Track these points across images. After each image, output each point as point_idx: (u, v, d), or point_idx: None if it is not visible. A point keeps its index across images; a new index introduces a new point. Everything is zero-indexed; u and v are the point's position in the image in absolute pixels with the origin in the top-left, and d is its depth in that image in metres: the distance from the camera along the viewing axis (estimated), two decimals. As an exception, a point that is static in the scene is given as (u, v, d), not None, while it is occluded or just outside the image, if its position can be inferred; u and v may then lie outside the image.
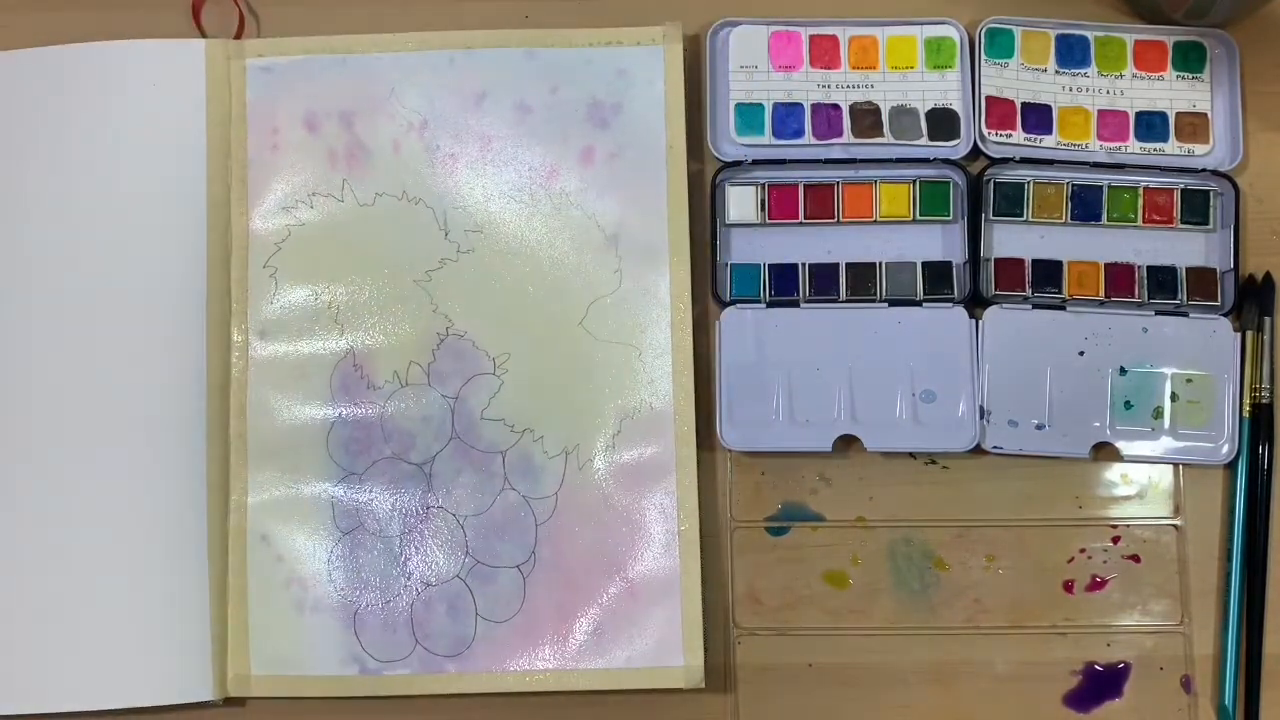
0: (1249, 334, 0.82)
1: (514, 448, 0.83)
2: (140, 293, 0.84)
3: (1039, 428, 0.81)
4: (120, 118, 0.85)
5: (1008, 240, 0.84)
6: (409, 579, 0.82)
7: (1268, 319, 0.82)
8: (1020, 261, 0.83)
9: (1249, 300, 0.82)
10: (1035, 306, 0.82)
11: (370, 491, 0.83)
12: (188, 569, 0.82)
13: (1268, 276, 0.83)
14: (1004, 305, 0.82)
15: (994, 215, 0.84)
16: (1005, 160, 0.83)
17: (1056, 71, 0.85)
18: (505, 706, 0.82)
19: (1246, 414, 0.81)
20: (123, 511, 0.82)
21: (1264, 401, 0.81)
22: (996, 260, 0.83)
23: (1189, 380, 0.81)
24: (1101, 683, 0.81)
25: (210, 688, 0.81)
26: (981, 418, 0.81)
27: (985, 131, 0.83)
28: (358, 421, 0.83)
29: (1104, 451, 0.82)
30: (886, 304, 0.83)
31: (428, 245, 0.85)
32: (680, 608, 0.80)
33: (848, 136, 0.84)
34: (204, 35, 0.87)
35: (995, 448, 0.81)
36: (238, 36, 0.88)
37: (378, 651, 0.81)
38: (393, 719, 0.82)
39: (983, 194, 0.83)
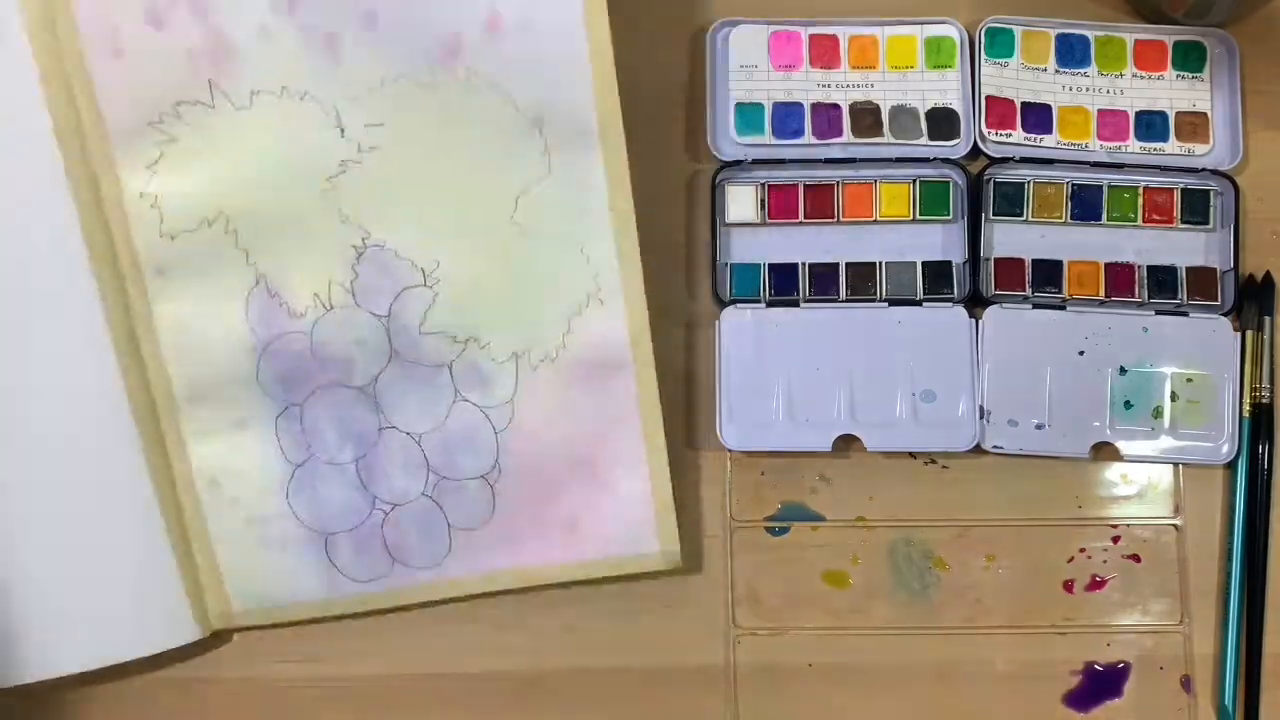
0: (1249, 334, 0.82)
1: (460, 359, 0.78)
2: (9, 255, 0.75)
3: (1039, 427, 0.81)
4: None
5: (1008, 240, 0.84)
6: (373, 502, 0.79)
7: (1268, 319, 0.82)
8: (1020, 261, 0.83)
9: (1249, 300, 0.82)
10: (1035, 306, 0.82)
11: (316, 420, 0.78)
12: (142, 524, 0.78)
13: (1268, 276, 0.83)
14: (1004, 305, 0.82)
15: (994, 215, 0.84)
16: (1005, 160, 0.83)
17: (1056, 71, 0.85)
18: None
19: (1247, 414, 0.81)
20: (61, 482, 0.78)
21: (1264, 401, 0.81)
22: (996, 260, 0.83)
23: (1189, 380, 0.81)
24: (1101, 683, 0.81)
25: (194, 628, 0.79)
26: (981, 418, 0.81)
27: (985, 131, 0.83)
28: (286, 353, 0.77)
29: (1104, 451, 0.82)
30: (886, 304, 0.82)
31: (324, 147, 0.74)
32: (650, 494, 0.79)
33: (848, 136, 0.84)
34: None
35: (995, 447, 0.81)
36: None
37: (355, 573, 0.80)
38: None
39: (983, 194, 0.83)
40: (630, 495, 0.79)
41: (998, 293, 0.83)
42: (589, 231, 0.76)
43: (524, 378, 0.78)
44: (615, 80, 0.74)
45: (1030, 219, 0.84)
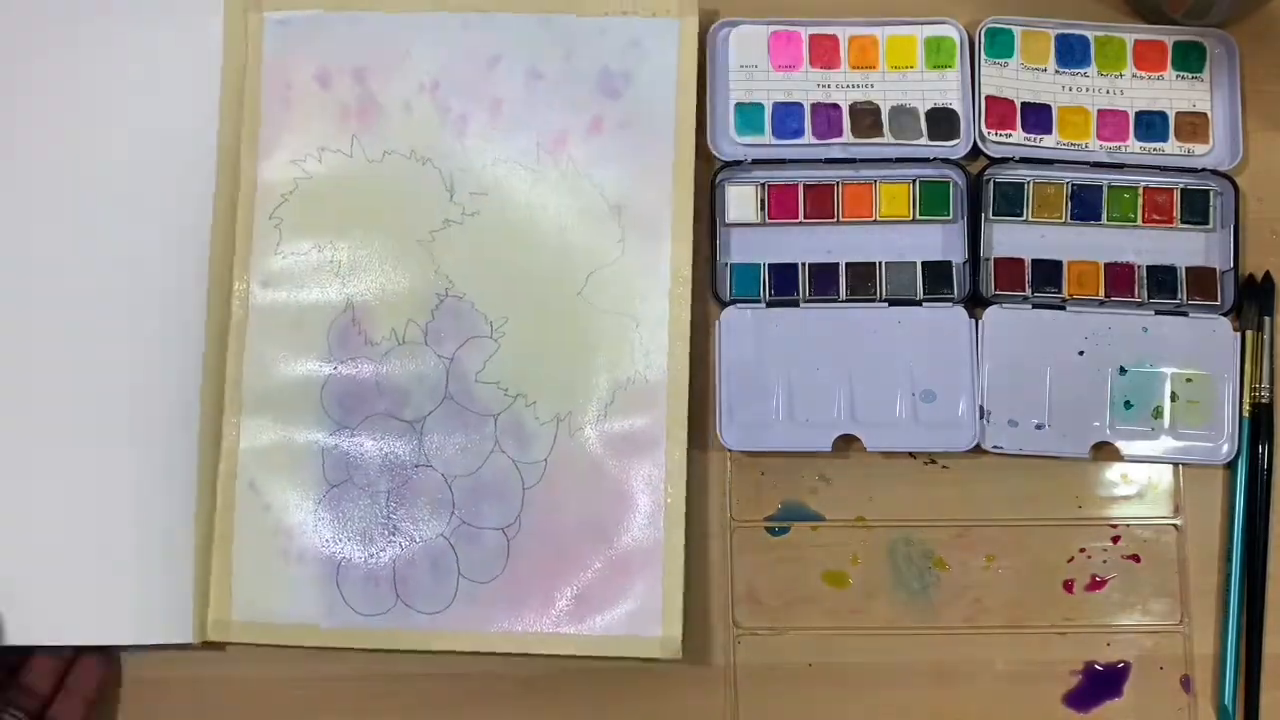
0: (1249, 334, 0.82)
1: (506, 412, 0.83)
2: (145, 235, 0.84)
3: (1039, 427, 0.81)
4: (136, 64, 0.86)
5: (1007, 240, 0.84)
6: (393, 534, 0.82)
7: (1268, 319, 0.82)
8: (1020, 261, 0.83)
9: (1249, 300, 0.82)
10: (1035, 306, 0.83)
11: (361, 446, 0.83)
12: (175, 511, 0.82)
13: (1268, 276, 0.83)
14: (1004, 305, 0.82)
15: (994, 215, 0.84)
16: (1005, 160, 0.83)
17: (1056, 71, 0.85)
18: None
19: (1246, 414, 0.81)
20: (113, 451, 0.83)
21: (1264, 401, 0.81)
22: (996, 260, 0.83)
23: (1189, 380, 0.82)
24: (1101, 682, 0.81)
25: (190, 630, 0.81)
26: (981, 417, 0.81)
27: (985, 131, 0.83)
28: (353, 376, 0.84)
29: (1104, 451, 0.82)
30: (886, 304, 0.83)
31: (433, 206, 0.85)
32: (662, 579, 0.80)
33: (847, 136, 0.84)
34: None
35: (995, 447, 0.81)
36: None
37: (359, 604, 0.81)
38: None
39: (982, 194, 0.83)
40: (642, 575, 0.81)
41: (998, 293, 0.83)
42: (646, 314, 0.83)
43: (561, 440, 0.83)
44: (692, 180, 0.84)
45: (1030, 219, 0.84)
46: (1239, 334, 0.82)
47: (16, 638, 0.81)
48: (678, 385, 0.82)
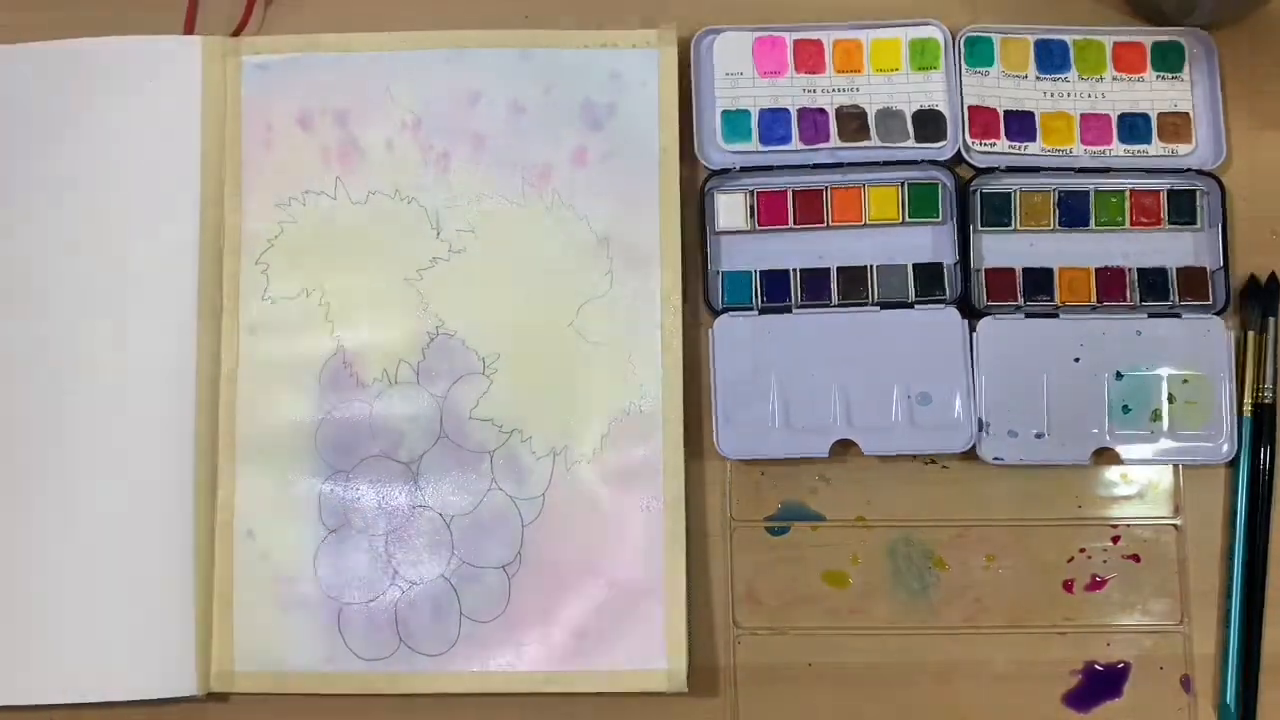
0: (1250, 334, 0.82)
1: (502, 448, 0.83)
2: (131, 287, 0.84)
3: (1039, 437, 0.82)
4: (116, 114, 0.86)
5: (997, 250, 0.85)
6: (394, 577, 0.82)
7: (1270, 319, 0.82)
8: (1011, 271, 0.84)
9: (1252, 301, 0.83)
10: (1028, 315, 0.83)
11: (357, 489, 0.83)
12: (174, 564, 0.82)
13: (1272, 277, 0.83)
14: (997, 316, 0.83)
15: (982, 226, 0.84)
16: (991, 170, 0.84)
17: (1037, 78, 0.86)
18: (489, 706, 0.82)
19: (1248, 414, 0.81)
20: (110, 506, 0.83)
21: (1266, 402, 0.82)
22: (987, 271, 0.84)
23: (1185, 381, 0.82)
24: (1101, 682, 0.81)
25: (194, 683, 0.81)
26: (980, 429, 0.81)
27: (969, 141, 0.84)
28: (346, 420, 0.84)
29: (1104, 456, 0.82)
30: (878, 307, 0.83)
31: (419, 244, 0.85)
32: (664, 611, 0.80)
33: (834, 140, 0.85)
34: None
35: (996, 459, 0.81)
36: (236, 33, 0.89)
37: (361, 649, 0.81)
38: (374, 718, 0.82)
39: (970, 205, 0.84)
40: (644, 608, 0.81)
41: (990, 304, 0.83)
42: (638, 344, 0.84)
43: (559, 475, 0.83)
44: (679, 211, 0.84)
45: (1019, 228, 0.84)
46: (1232, 332, 0.82)
47: (20, 698, 0.82)
48: (673, 415, 0.82)
